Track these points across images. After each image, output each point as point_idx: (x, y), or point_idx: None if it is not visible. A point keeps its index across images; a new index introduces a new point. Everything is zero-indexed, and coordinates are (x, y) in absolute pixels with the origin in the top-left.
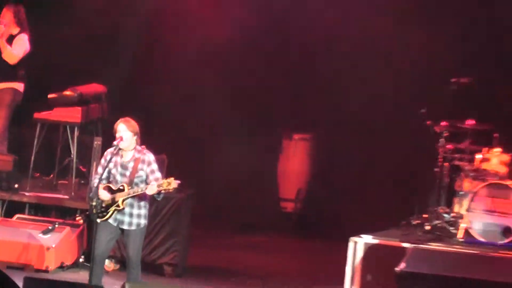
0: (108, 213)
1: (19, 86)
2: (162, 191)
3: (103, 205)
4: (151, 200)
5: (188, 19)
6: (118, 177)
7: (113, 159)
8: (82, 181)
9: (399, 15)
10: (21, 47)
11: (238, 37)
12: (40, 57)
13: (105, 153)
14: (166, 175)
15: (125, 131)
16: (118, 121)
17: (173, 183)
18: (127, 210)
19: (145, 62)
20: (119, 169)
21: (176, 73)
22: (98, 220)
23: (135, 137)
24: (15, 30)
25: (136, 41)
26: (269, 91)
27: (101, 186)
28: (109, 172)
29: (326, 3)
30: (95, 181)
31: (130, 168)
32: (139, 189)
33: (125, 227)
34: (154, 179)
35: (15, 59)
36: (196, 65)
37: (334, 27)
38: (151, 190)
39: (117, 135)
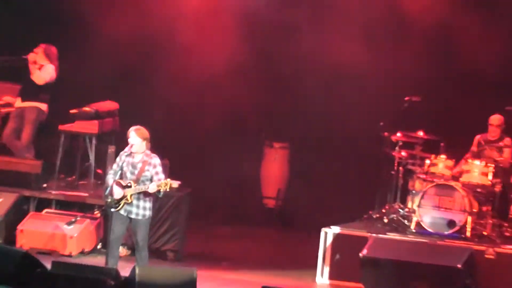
0: (120, 205)
1: (43, 107)
2: (162, 190)
3: (115, 199)
4: (155, 196)
5: (187, 48)
6: (128, 175)
7: (126, 159)
8: (99, 182)
9: (365, 45)
10: (47, 73)
11: (234, 63)
12: (66, 81)
13: (120, 153)
14: (168, 176)
15: (135, 137)
16: (130, 128)
17: (171, 184)
18: (134, 202)
19: (153, 84)
20: (130, 168)
21: (179, 95)
22: (113, 210)
23: (144, 142)
24: (44, 61)
25: (141, 68)
26: (255, 108)
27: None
28: (122, 169)
29: (303, 34)
30: (109, 176)
31: (138, 168)
32: (144, 187)
33: (133, 216)
34: (157, 179)
35: (42, 80)
36: (195, 86)
37: (309, 55)
38: (152, 188)
39: (129, 141)
